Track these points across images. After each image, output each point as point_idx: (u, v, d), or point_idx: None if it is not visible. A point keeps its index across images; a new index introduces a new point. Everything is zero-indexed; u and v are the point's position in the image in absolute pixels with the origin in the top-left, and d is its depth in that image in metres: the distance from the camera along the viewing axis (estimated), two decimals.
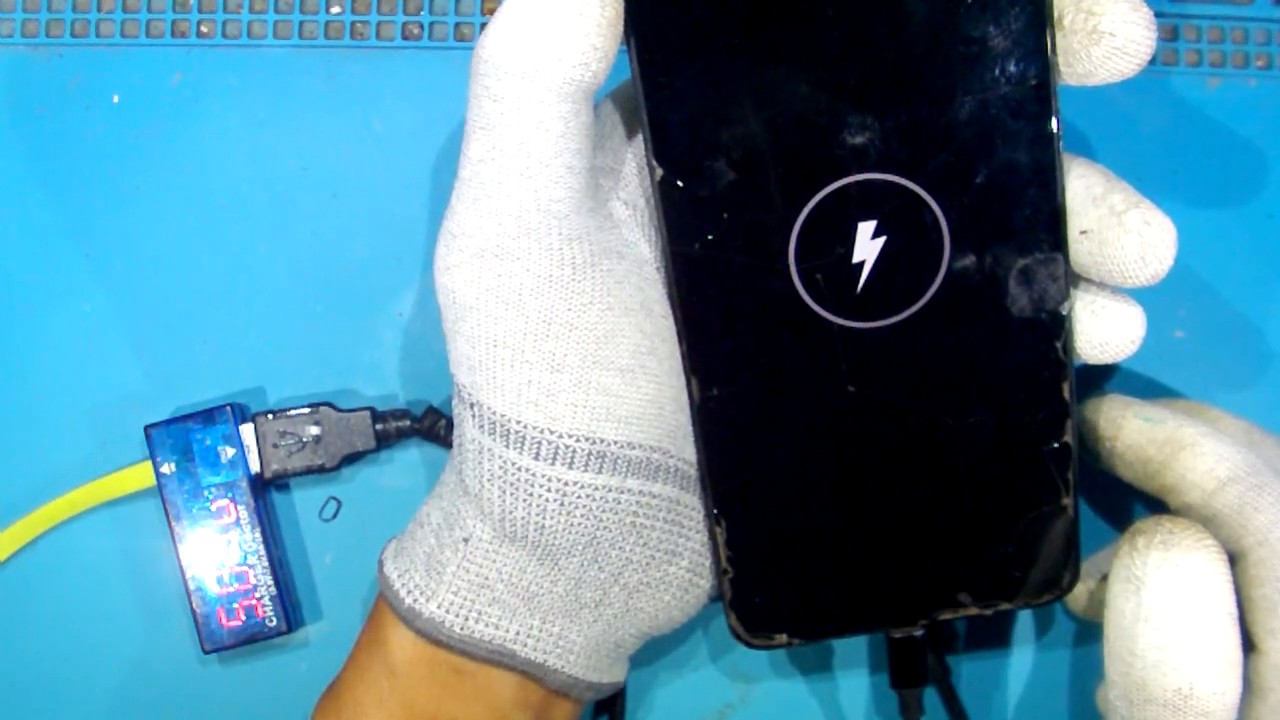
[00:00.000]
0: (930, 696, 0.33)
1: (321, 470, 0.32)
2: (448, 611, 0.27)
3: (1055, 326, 0.26)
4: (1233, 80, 0.35)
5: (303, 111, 0.34)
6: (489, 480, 0.26)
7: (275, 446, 0.32)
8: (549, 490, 0.26)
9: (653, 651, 0.33)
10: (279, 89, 0.34)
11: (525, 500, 0.26)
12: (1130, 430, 0.28)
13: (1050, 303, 0.26)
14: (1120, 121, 0.34)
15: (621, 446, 0.26)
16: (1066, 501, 0.27)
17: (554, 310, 0.25)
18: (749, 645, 0.28)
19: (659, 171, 0.25)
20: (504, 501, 0.26)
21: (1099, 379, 0.34)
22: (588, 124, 0.25)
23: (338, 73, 0.34)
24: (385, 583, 0.28)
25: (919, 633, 0.29)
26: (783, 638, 0.28)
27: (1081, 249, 0.25)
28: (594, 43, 0.24)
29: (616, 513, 0.26)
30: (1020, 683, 0.33)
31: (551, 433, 0.25)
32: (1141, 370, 0.34)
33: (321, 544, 0.33)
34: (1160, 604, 0.24)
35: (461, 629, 0.26)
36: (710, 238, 0.26)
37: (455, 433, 0.27)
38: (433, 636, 0.27)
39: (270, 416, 0.32)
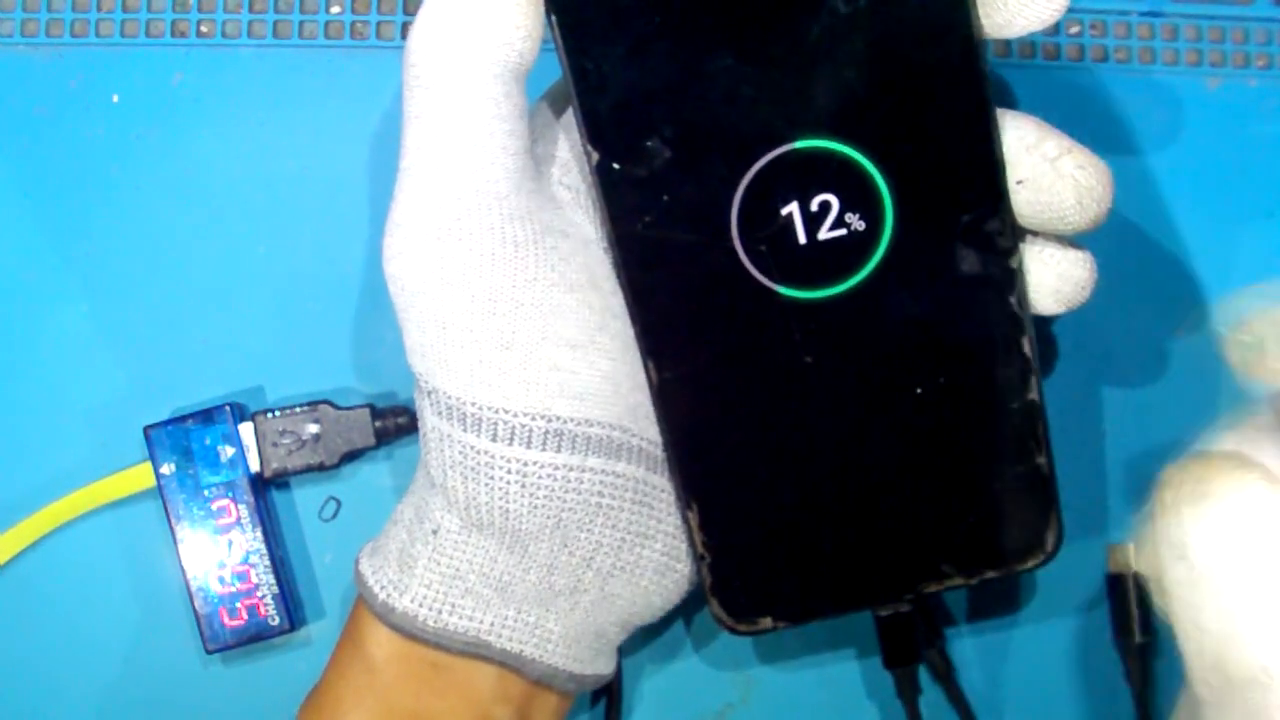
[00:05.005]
0: (931, 688, 0.33)
1: (321, 468, 0.32)
2: (421, 605, 0.27)
3: (1007, 281, 0.26)
4: (1233, 80, 0.35)
5: (303, 111, 0.34)
6: (451, 467, 0.26)
7: (275, 445, 0.32)
8: (509, 472, 0.26)
9: (652, 650, 0.33)
10: (279, 89, 0.34)
11: (487, 485, 0.26)
12: None
13: (999, 257, 0.26)
14: (1120, 121, 0.34)
15: (579, 424, 0.26)
16: (1040, 460, 0.27)
17: (499, 288, 0.25)
18: (734, 632, 0.28)
19: (595, 156, 0.25)
20: (467, 488, 0.26)
21: (1097, 375, 0.34)
22: (520, 106, 0.25)
23: (338, 73, 0.34)
24: (360, 580, 0.28)
25: (906, 609, 0.28)
26: (768, 622, 0.28)
27: (1020, 199, 0.25)
28: (516, 22, 0.24)
29: (579, 493, 0.26)
30: (1016, 659, 0.33)
31: (506, 412, 0.25)
32: (1142, 370, 0.34)
33: (322, 543, 0.33)
34: (1212, 567, 0.21)
35: (435, 622, 0.26)
36: (651, 218, 0.26)
37: (419, 425, 0.27)
38: (407, 631, 0.27)
39: (269, 415, 0.32)
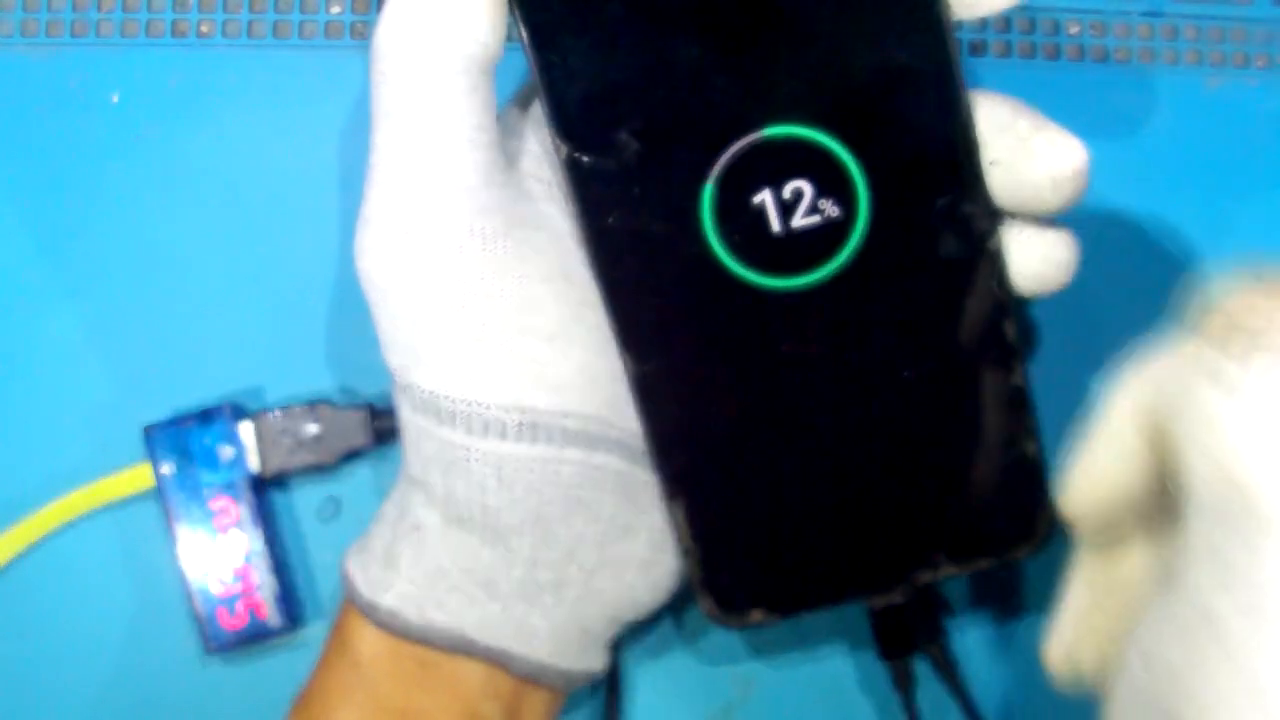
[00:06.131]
0: (930, 682, 0.33)
1: (321, 468, 0.32)
2: (405, 602, 0.27)
3: (986, 265, 0.26)
4: (1233, 80, 0.35)
5: (303, 111, 0.34)
6: (429, 462, 0.26)
7: (275, 445, 0.32)
8: (486, 465, 0.26)
9: (651, 649, 0.33)
10: (279, 89, 0.34)
11: (465, 479, 0.26)
12: (1110, 476, 0.24)
13: (977, 241, 0.26)
14: (1120, 121, 0.34)
15: (554, 416, 0.26)
16: (1029, 446, 0.27)
17: (468, 281, 0.25)
18: (725, 626, 0.28)
19: (563, 150, 0.25)
20: (445, 483, 0.26)
21: (1096, 375, 0.34)
22: (488, 100, 0.25)
23: (338, 73, 0.34)
24: (346, 578, 0.28)
25: (900, 600, 0.28)
26: (758, 615, 0.28)
27: (995, 180, 0.25)
28: (478, 16, 0.24)
29: (558, 485, 0.26)
30: (1017, 653, 0.33)
31: (480, 404, 0.25)
32: None
33: (322, 542, 0.33)
34: (1262, 405, 0.20)
35: (420, 619, 0.26)
36: (623, 210, 0.26)
37: (398, 421, 0.27)
38: (392, 628, 0.27)
39: (269, 415, 0.32)
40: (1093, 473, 0.25)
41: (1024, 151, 0.24)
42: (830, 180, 0.25)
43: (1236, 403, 0.21)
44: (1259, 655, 0.20)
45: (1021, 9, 0.34)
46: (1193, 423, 0.21)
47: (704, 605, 0.28)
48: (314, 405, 0.32)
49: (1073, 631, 0.27)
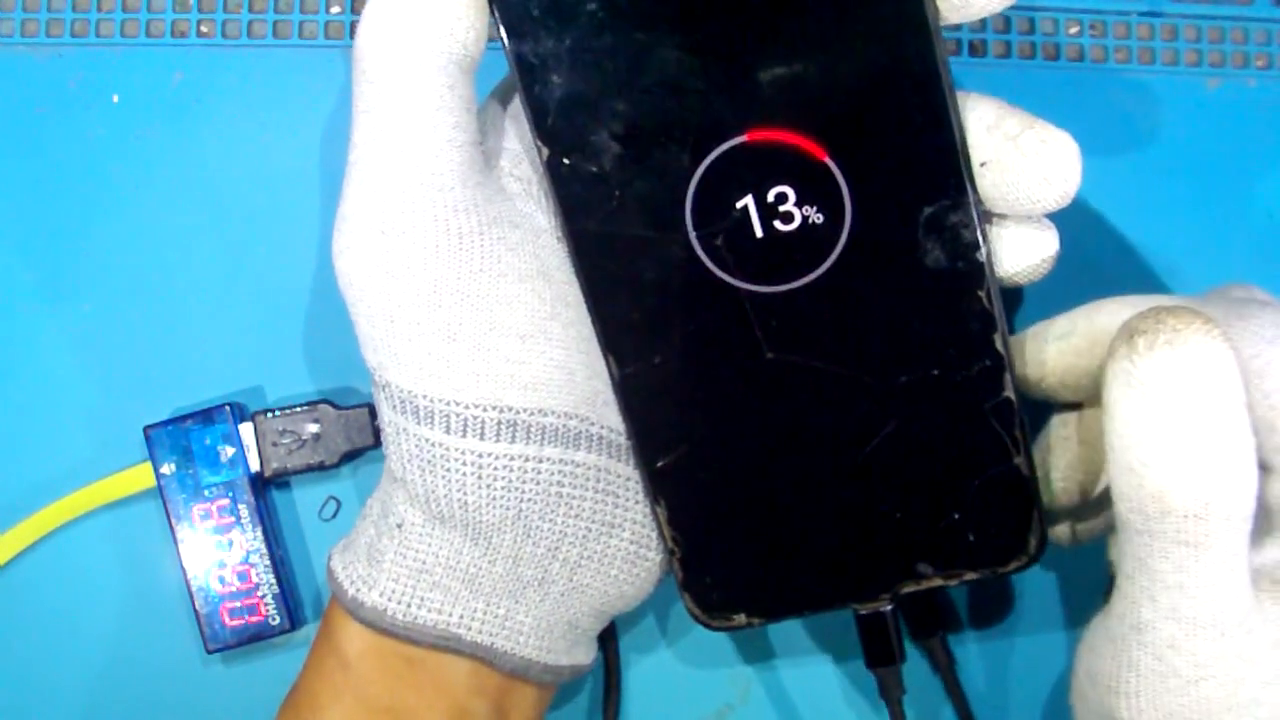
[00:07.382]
0: (926, 684, 0.33)
1: (321, 467, 0.32)
2: (390, 599, 0.27)
3: (975, 275, 0.25)
4: (1233, 80, 0.35)
5: (303, 111, 0.34)
6: (409, 461, 0.26)
7: (275, 445, 0.32)
8: (465, 464, 0.26)
9: (650, 650, 0.33)
10: (279, 89, 0.34)
11: (444, 477, 0.26)
12: (1054, 358, 0.27)
13: (965, 250, 0.25)
14: (1120, 121, 0.34)
15: (532, 414, 0.26)
16: (1018, 460, 0.26)
17: (443, 280, 0.25)
18: (708, 627, 0.28)
19: (545, 151, 0.25)
20: (425, 481, 0.26)
21: None
22: (467, 99, 0.25)
23: (338, 73, 0.34)
24: (331, 576, 0.28)
25: (886, 608, 0.28)
26: (742, 618, 0.28)
27: (985, 182, 0.25)
28: (458, 15, 0.24)
29: (538, 483, 0.26)
30: (1015, 658, 0.33)
31: (457, 404, 0.25)
32: None
33: (322, 542, 0.33)
34: (1173, 408, 0.22)
35: (404, 616, 0.26)
36: (605, 213, 0.25)
37: (379, 419, 0.27)
38: (377, 625, 0.27)
39: (269, 415, 0.32)
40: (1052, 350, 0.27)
41: (1015, 151, 0.24)
42: (814, 187, 0.25)
43: (1138, 397, 0.23)
44: (1181, 656, 0.23)
45: (1021, 9, 0.34)
46: (1110, 423, 0.23)
47: (687, 606, 0.28)
48: (314, 405, 0.32)
49: (1052, 441, 0.28)
